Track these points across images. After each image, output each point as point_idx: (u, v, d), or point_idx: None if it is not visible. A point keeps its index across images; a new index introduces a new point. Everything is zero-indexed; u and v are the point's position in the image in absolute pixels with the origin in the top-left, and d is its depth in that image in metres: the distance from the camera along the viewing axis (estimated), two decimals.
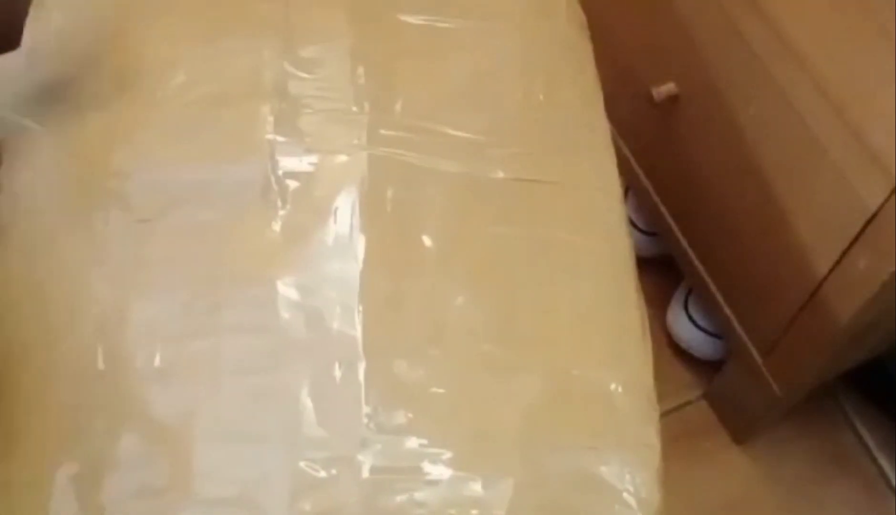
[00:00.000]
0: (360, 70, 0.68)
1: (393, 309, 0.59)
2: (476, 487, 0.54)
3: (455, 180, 0.64)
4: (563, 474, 0.55)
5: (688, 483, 1.06)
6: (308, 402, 0.56)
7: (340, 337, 0.58)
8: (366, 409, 0.55)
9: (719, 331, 1.10)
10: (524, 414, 0.57)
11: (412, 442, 0.55)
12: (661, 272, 1.14)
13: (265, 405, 0.56)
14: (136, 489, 0.53)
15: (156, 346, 0.57)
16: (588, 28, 0.75)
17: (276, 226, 0.61)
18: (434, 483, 0.54)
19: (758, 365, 1.00)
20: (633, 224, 1.16)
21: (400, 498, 0.53)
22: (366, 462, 0.54)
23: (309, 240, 0.61)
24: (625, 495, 0.54)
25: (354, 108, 0.66)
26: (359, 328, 0.58)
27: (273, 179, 0.63)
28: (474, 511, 0.54)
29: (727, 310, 1.02)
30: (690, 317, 1.13)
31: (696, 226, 1.05)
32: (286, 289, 0.59)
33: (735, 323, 1.02)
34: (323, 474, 0.54)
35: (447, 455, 0.55)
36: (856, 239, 0.80)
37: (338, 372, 0.57)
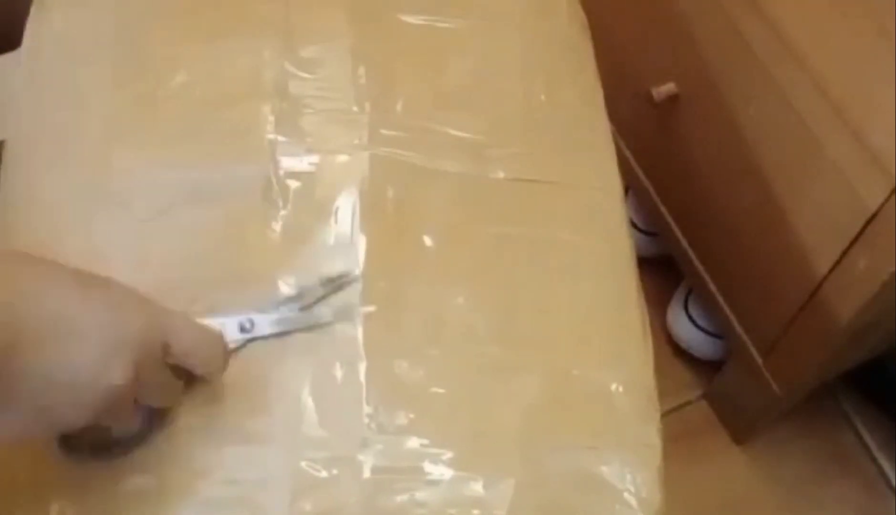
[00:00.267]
0: (361, 70, 0.68)
1: (393, 309, 0.59)
2: (477, 487, 0.54)
3: (456, 180, 0.64)
4: (563, 474, 0.55)
5: (688, 483, 1.07)
6: (309, 402, 0.56)
7: (341, 336, 0.58)
8: (367, 409, 0.56)
9: (719, 331, 1.10)
10: (525, 413, 0.57)
11: (413, 442, 0.55)
12: (661, 272, 1.14)
13: (266, 405, 0.56)
14: (137, 489, 0.53)
15: None
16: (588, 28, 0.75)
17: (277, 226, 0.61)
18: (435, 483, 0.54)
19: (758, 365, 1.00)
20: (633, 224, 1.16)
21: (401, 498, 0.53)
22: (367, 462, 0.54)
23: (310, 240, 0.61)
24: (625, 495, 0.54)
25: (355, 108, 0.66)
26: (359, 328, 0.58)
27: (274, 179, 0.63)
28: (475, 511, 0.54)
29: (727, 310, 1.02)
30: (690, 317, 1.13)
31: (696, 226, 1.05)
32: (287, 289, 0.59)
33: (735, 323, 1.02)
34: (324, 474, 0.54)
35: (448, 455, 0.55)
36: (856, 239, 0.80)
37: (338, 372, 0.57)
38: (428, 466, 0.54)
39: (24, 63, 0.69)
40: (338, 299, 0.59)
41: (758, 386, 1.02)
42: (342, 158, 0.64)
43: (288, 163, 0.64)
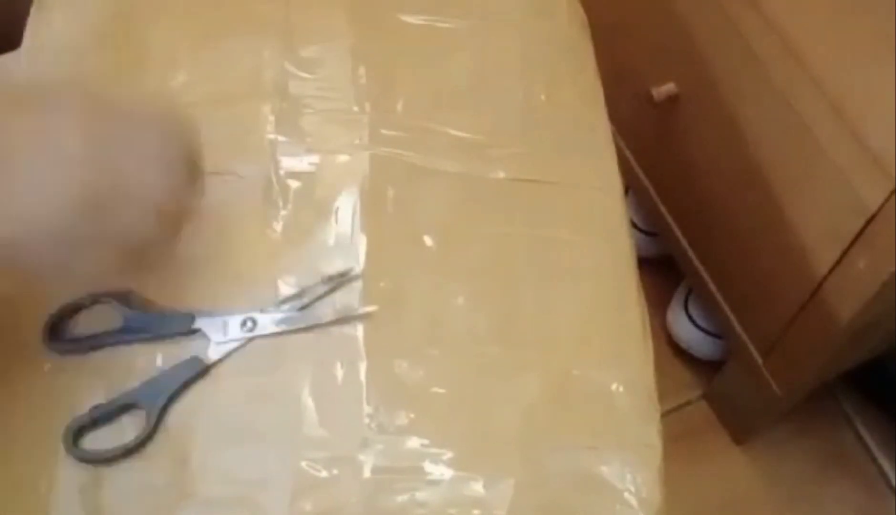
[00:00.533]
0: (361, 70, 0.68)
1: (394, 309, 0.59)
2: (477, 487, 0.54)
3: (456, 180, 0.64)
4: (563, 474, 0.55)
5: (688, 483, 1.06)
6: (309, 402, 0.56)
7: (341, 336, 0.58)
8: (367, 409, 0.56)
9: (719, 331, 1.10)
10: (525, 414, 0.57)
11: (413, 442, 0.55)
12: (661, 272, 1.14)
13: (267, 405, 0.56)
14: (137, 489, 0.53)
15: None
16: (588, 27, 0.75)
17: (278, 226, 0.61)
18: (435, 482, 0.54)
19: (758, 365, 1.00)
20: (633, 224, 1.16)
21: (401, 498, 0.53)
22: (367, 461, 0.54)
23: (310, 239, 0.61)
24: (626, 495, 0.54)
25: (355, 108, 0.66)
26: (360, 328, 0.58)
27: (274, 179, 0.63)
28: (475, 511, 0.54)
29: (727, 310, 1.02)
30: (690, 317, 1.13)
31: (696, 226, 1.05)
32: (287, 288, 0.59)
33: (735, 323, 1.02)
34: (324, 474, 0.54)
35: (448, 455, 0.55)
36: (856, 239, 0.80)
37: (339, 372, 0.57)
38: (428, 466, 0.54)
39: (24, 63, 0.69)
40: (338, 299, 0.59)
41: (758, 386, 1.02)
42: (342, 158, 0.64)
43: (288, 162, 0.64)
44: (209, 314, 0.58)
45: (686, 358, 1.17)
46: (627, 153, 1.10)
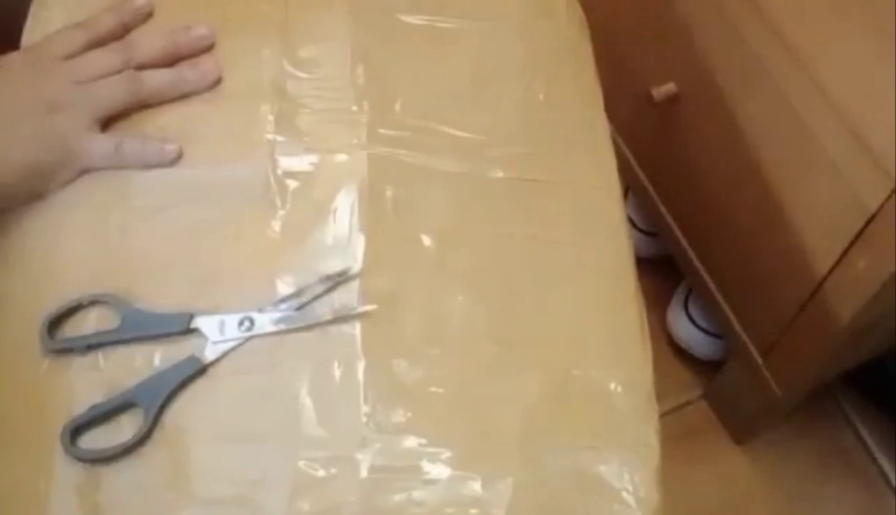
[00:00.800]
0: (360, 69, 0.68)
1: (392, 309, 0.59)
2: (475, 486, 0.54)
3: (455, 180, 0.64)
4: (562, 473, 0.55)
5: (688, 483, 1.07)
6: (307, 401, 0.56)
7: (340, 336, 0.58)
8: (365, 408, 0.56)
9: (719, 331, 1.10)
10: (524, 413, 0.57)
11: (411, 442, 0.55)
12: (661, 272, 1.14)
13: (265, 404, 0.56)
14: (135, 488, 0.53)
15: None
16: (588, 27, 0.75)
17: (276, 226, 0.61)
18: (433, 482, 0.54)
19: (758, 365, 1.00)
20: (633, 224, 1.17)
21: (399, 497, 0.53)
22: (365, 461, 0.54)
23: (308, 239, 0.61)
24: (624, 494, 0.54)
25: (354, 108, 0.66)
26: (358, 327, 0.58)
27: (273, 179, 0.63)
28: (473, 511, 0.53)
29: (727, 310, 1.02)
30: (690, 317, 1.13)
31: (696, 226, 1.05)
32: (286, 288, 0.59)
33: (735, 323, 1.02)
34: (322, 473, 0.54)
35: (446, 454, 0.55)
36: (856, 239, 0.80)
37: (337, 372, 0.57)
38: (426, 465, 0.54)
39: None
40: (336, 298, 0.59)
41: (758, 386, 1.02)
42: (341, 158, 0.64)
43: (287, 162, 0.64)
44: (207, 313, 0.58)
45: (686, 358, 1.17)
46: (627, 153, 1.10)
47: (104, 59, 0.64)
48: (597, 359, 0.59)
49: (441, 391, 0.57)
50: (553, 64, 0.71)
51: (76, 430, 0.54)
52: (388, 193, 0.63)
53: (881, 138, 0.74)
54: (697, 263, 1.05)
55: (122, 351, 0.57)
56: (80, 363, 0.57)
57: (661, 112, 0.98)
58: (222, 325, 0.57)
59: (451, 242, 0.62)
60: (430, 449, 0.55)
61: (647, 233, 1.17)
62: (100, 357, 0.57)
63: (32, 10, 0.71)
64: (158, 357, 0.57)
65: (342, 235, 0.61)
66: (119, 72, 0.64)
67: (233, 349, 0.57)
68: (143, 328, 0.57)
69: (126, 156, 0.62)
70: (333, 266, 0.60)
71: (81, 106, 0.62)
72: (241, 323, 0.58)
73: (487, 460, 0.55)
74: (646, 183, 1.10)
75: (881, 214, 0.76)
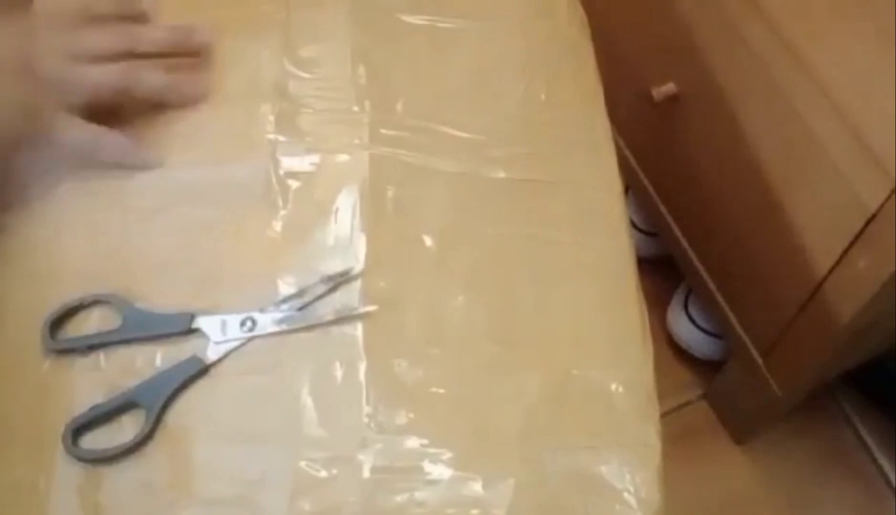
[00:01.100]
0: (361, 70, 0.68)
1: (393, 309, 0.59)
2: (476, 487, 0.54)
3: (455, 180, 0.64)
4: (563, 474, 0.55)
5: (688, 483, 1.07)
6: (308, 402, 0.56)
7: (341, 336, 0.58)
8: (367, 409, 0.56)
9: (719, 331, 1.10)
10: (524, 413, 0.57)
11: (412, 442, 0.55)
12: (661, 272, 1.14)
13: (266, 405, 0.56)
14: (136, 488, 0.53)
15: None
16: (588, 27, 0.75)
17: (277, 226, 0.62)
18: (434, 482, 0.54)
19: (758, 365, 1.00)
20: (633, 224, 1.16)
21: (400, 498, 0.53)
22: (366, 461, 0.54)
23: (310, 239, 0.61)
24: (625, 495, 0.54)
25: (355, 108, 0.66)
26: (360, 328, 0.58)
27: (274, 179, 0.63)
28: (474, 511, 0.53)
29: (727, 310, 1.02)
30: (690, 317, 1.13)
31: (696, 226, 1.05)
32: (287, 288, 0.59)
33: (735, 323, 1.02)
34: (323, 473, 0.54)
35: (447, 454, 0.55)
36: (856, 239, 0.80)
37: (338, 372, 0.57)
38: (427, 466, 0.54)
39: None
40: (338, 298, 0.59)
41: (758, 386, 1.02)
42: (342, 158, 0.64)
43: (288, 162, 0.64)
44: (209, 313, 0.58)
45: (686, 358, 1.17)
46: (627, 153, 1.10)
47: (107, 40, 0.61)
48: (597, 359, 0.59)
49: (442, 391, 0.57)
50: (553, 63, 0.71)
51: (77, 430, 0.54)
52: (390, 193, 0.63)
53: (881, 138, 0.74)
54: (697, 263, 1.05)
55: (123, 352, 0.57)
56: (81, 363, 0.57)
57: (661, 112, 0.98)
58: (224, 325, 0.58)
59: (452, 242, 0.62)
60: (432, 450, 0.55)
61: (647, 233, 1.17)
62: (101, 357, 0.57)
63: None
64: (160, 357, 0.57)
65: (344, 235, 0.61)
66: (118, 57, 0.61)
67: (234, 349, 0.57)
68: (144, 328, 0.57)
69: (104, 150, 0.60)
70: (335, 266, 0.60)
71: (69, 84, 0.59)
72: (242, 324, 0.58)
73: (488, 460, 0.55)
74: (646, 183, 1.10)
75: (881, 214, 0.76)
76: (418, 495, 0.53)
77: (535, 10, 0.74)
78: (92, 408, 0.55)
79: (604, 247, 0.64)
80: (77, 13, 0.62)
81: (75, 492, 0.53)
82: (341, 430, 0.55)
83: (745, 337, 1.01)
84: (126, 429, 0.55)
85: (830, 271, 0.85)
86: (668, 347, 1.17)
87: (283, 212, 0.62)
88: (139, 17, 0.66)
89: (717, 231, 1.00)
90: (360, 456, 0.54)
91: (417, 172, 0.64)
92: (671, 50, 0.96)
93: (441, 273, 0.61)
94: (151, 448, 0.54)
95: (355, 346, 0.58)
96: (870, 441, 1.15)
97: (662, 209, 1.08)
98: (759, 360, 1.00)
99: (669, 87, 0.96)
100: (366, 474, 0.54)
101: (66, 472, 0.53)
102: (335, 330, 0.58)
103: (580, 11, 0.75)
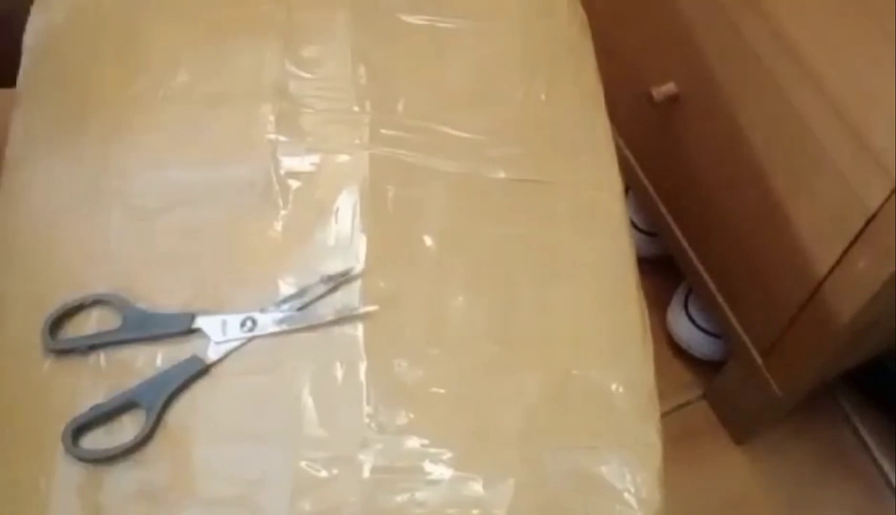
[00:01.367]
0: (361, 70, 0.68)
1: (393, 309, 0.59)
2: (476, 487, 0.54)
3: (456, 180, 0.64)
4: (563, 474, 0.55)
5: (688, 483, 1.07)
6: (309, 402, 0.56)
7: (342, 336, 0.58)
8: (367, 409, 0.56)
9: (719, 331, 1.10)
10: (524, 413, 0.57)
11: (413, 442, 0.55)
12: (661, 272, 1.14)
13: (267, 405, 0.56)
14: (136, 489, 0.53)
15: None
16: (588, 27, 0.75)
17: (278, 226, 0.62)
18: (435, 482, 0.54)
19: (758, 365, 1.00)
20: (633, 224, 1.16)
21: (401, 498, 0.53)
22: (367, 461, 0.54)
23: (310, 239, 0.61)
24: (625, 495, 0.54)
25: (356, 108, 0.66)
26: (360, 327, 0.58)
27: (275, 179, 0.63)
28: (475, 511, 0.54)
29: (727, 310, 1.02)
30: (690, 317, 1.13)
31: (696, 226, 1.05)
32: (287, 288, 0.59)
33: (735, 323, 1.02)
34: (324, 473, 0.54)
35: (448, 454, 0.55)
36: (856, 239, 0.80)
37: (339, 372, 0.57)
38: (428, 466, 0.54)
39: (24, 62, 0.69)
40: (338, 298, 0.59)
41: (758, 386, 1.02)
42: (342, 158, 0.64)
43: (288, 162, 0.64)
44: (209, 313, 0.58)
45: (686, 358, 1.17)
46: (627, 153, 1.10)
47: None
48: (597, 359, 0.59)
49: (442, 391, 0.57)
50: (554, 63, 0.71)
51: (78, 430, 0.54)
52: (390, 193, 0.63)
53: (881, 138, 0.74)
54: (697, 263, 1.05)
55: (123, 352, 0.57)
56: (81, 363, 0.57)
57: (661, 112, 0.98)
58: (224, 325, 0.58)
59: (452, 242, 0.62)
60: (432, 450, 0.55)
61: (647, 233, 1.17)
62: (101, 357, 0.57)
63: (33, 9, 0.71)
64: (160, 357, 0.57)
65: (344, 235, 0.61)
66: None
67: (235, 349, 0.57)
68: (145, 328, 0.58)
69: None
70: (335, 266, 0.60)
71: None
72: (243, 324, 0.58)
73: (488, 460, 0.55)
74: (646, 183, 1.10)
75: (881, 214, 0.76)
76: (419, 495, 0.53)
77: (535, 10, 0.74)
78: (92, 408, 0.55)
79: (604, 247, 0.64)
80: None
81: (76, 492, 0.53)
82: (342, 430, 0.55)
83: (745, 337, 1.01)
84: (126, 429, 0.55)
85: (830, 271, 0.84)
86: (668, 347, 1.17)
87: (283, 212, 0.62)
88: None
89: (717, 231, 1.00)
90: (361, 456, 0.54)
91: (417, 172, 0.64)
92: (671, 50, 0.96)
93: (441, 273, 0.61)
94: (152, 448, 0.54)
95: (356, 346, 0.58)
96: (870, 441, 1.14)
97: (662, 209, 1.08)
98: (759, 360, 1.00)
99: (669, 87, 0.96)
100: (366, 474, 0.54)
101: (67, 472, 0.53)
102: (335, 330, 0.58)
103: (580, 11, 0.76)
